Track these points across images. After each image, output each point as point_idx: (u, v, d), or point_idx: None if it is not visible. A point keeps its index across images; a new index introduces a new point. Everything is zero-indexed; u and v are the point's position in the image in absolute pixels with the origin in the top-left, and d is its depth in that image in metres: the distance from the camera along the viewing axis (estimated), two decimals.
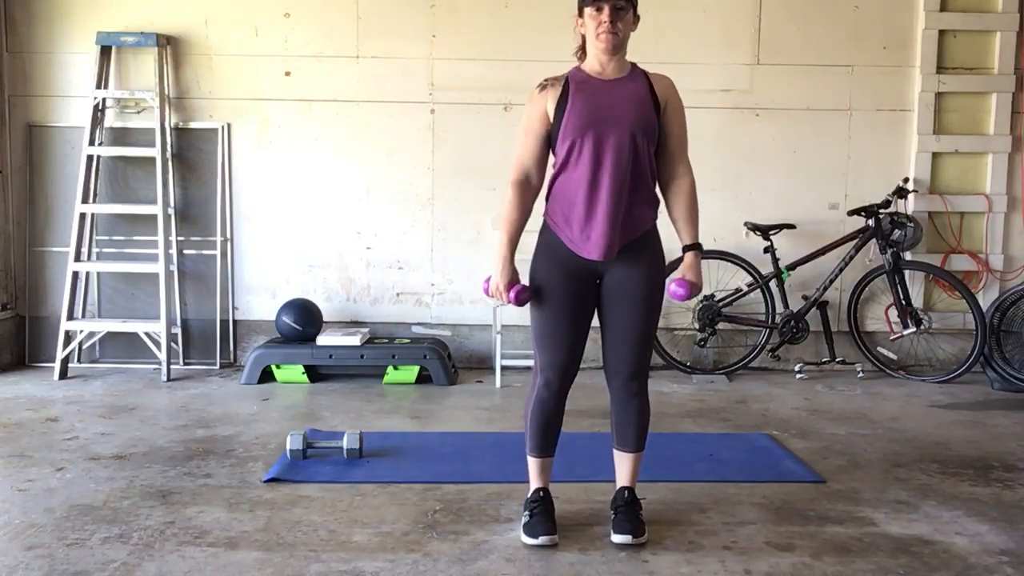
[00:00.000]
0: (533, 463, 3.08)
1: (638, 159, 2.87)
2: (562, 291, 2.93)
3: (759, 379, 5.56)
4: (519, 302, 2.94)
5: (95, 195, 5.60)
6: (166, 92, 5.58)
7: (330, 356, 5.31)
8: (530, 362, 5.55)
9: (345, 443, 3.81)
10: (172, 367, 5.47)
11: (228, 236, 5.74)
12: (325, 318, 5.62)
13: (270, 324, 5.65)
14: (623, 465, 3.09)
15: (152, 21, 5.58)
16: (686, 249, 2.96)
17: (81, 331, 5.56)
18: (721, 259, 5.58)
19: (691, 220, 2.95)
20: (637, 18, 2.93)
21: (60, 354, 5.38)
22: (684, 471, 3.69)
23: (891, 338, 5.65)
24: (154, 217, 5.51)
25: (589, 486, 3.41)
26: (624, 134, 2.84)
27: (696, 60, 5.58)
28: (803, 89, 5.66)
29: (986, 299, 5.66)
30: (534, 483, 3.09)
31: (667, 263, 3.08)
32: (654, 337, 2.98)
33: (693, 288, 2.92)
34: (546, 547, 2.93)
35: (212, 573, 2.75)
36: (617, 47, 2.89)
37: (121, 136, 5.67)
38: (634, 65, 2.97)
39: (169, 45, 5.60)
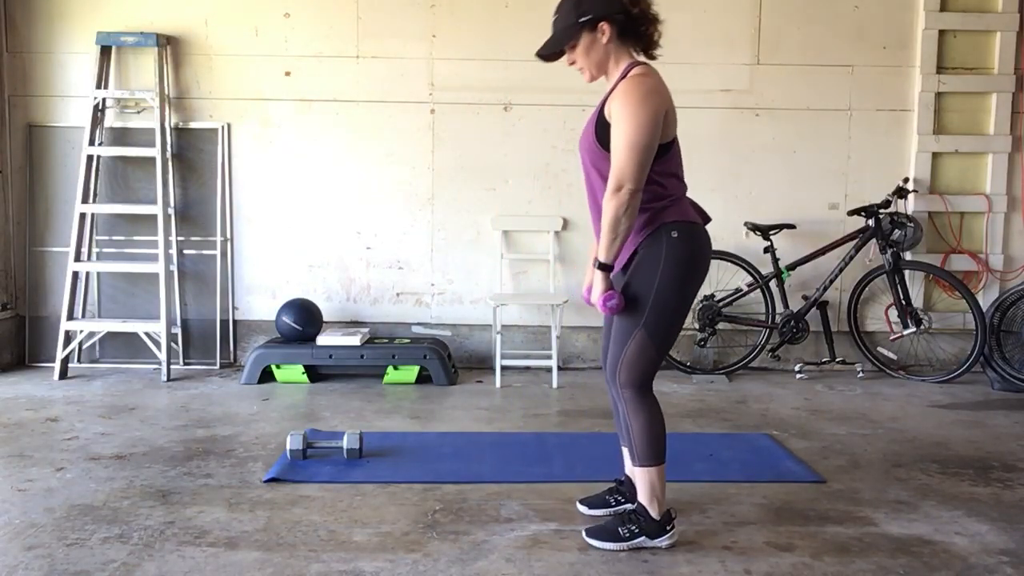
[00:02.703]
0: None
1: (589, 180, 2.95)
2: None
3: (759, 379, 5.56)
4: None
5: (95, 195, 5.60)
6: (166, 92, 5.58)
7: (330, 356, 5.31)
8: (529, 362, 5.60)
9: (345, 443, 3.81)
10: (172, 367, 5.47)
11: (228, 236, 5.74)
12: (325, 318, 5.62)
13: (270, 324, 5.65)
14: (627, 463, 3.16)
15: (152, 21, 5.59)
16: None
17: (81, 331, 5.56)
18: (721, 259, 5.57)
19: (602, 237, 2.82)
20: (602, 30, 2.82)
21: (60, 354, 5.39)
22: (684, 471, 3.68)
23: (891, 338, 5.65)
24: (154, 217, 5.51)
25: (589, 486, 3.41)
26: (581, 157, 2.99)
27: (696, 60, 5.58)
28: (803, 89, 5.66)
29: (986, 299, 5.66)
30: None
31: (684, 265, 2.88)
32: (628, 344, 2.87)
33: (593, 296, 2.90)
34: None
35: (212, 573, 2.75)
36: (593, 76, 2.92)
37: (121, 136, 5.67)
38: (624, 72, 2.84)
39: (169, 45, 5.60)
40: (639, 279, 2.86)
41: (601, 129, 2.84)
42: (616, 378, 2.92)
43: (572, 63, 2.91)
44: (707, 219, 3.00)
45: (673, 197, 2.89)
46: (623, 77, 2.82)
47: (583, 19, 2.82)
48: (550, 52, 2.93)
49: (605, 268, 2.84)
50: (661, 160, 2.83)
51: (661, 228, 2.85)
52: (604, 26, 2.82)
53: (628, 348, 2.88)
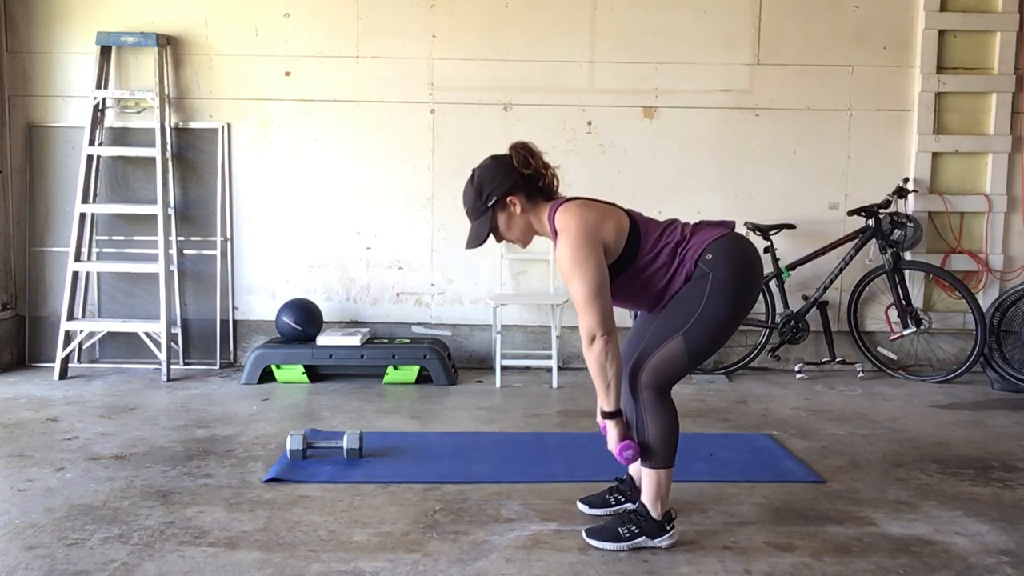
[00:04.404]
0: None
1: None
2: None
3: (759, 379, 5.56)
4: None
5: (95, 195, 5.60)
6: (166, 92, 5.58)
7: (330, 356, 5.31)
8: (529, 362, 5.61)
9: (345, 443, 3.81)
10: (172, 367, 5.47)
11: (228, 236, 5.74)
12: (325, 318, 5.62)
13: (270, 324, 5.65)
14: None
15: (152, 21, 5.59)
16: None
17: (81, 331, 5.56)
18: None
19: (597, 388, 2.84)
20: (512, 204, 2.90)
21: (60, 354, 5.39)
22: (684, 471, 3.66)
23: (891, 338, 5.65)
24: (154, 217, 5.51)
25: (588, 486, 3.41)
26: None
27: (696, 60, 5.58)
28: (803, 89, 5.66)
29: (986, 299, 5.66)
30: None
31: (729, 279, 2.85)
32: (661, 347, 2.83)
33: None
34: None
35: (212, 573, 2.75)
36: (525, 243, 3.01)
37: (121, 136, 5.67)
38: (551, 222, 2.90)
39: (169, 45, 5.60)
40: (690, 291, 2.84)
41: None
42: (637, 376, 2.88)
43: (501, 240, 3.01)
44: (730, 225, 2.96)
45: (684, 241, 2.88)
46: (554, 231, 2.88)
47: (490, 203, 2.90)
48: (478, 243, 2.97)
49: (614, 415, 2.84)
50: (643, 241, 2.86)
51: (696, 264, 2.84)
52: (513, 200, 2.92)
53: (660, 350, 2.84)
